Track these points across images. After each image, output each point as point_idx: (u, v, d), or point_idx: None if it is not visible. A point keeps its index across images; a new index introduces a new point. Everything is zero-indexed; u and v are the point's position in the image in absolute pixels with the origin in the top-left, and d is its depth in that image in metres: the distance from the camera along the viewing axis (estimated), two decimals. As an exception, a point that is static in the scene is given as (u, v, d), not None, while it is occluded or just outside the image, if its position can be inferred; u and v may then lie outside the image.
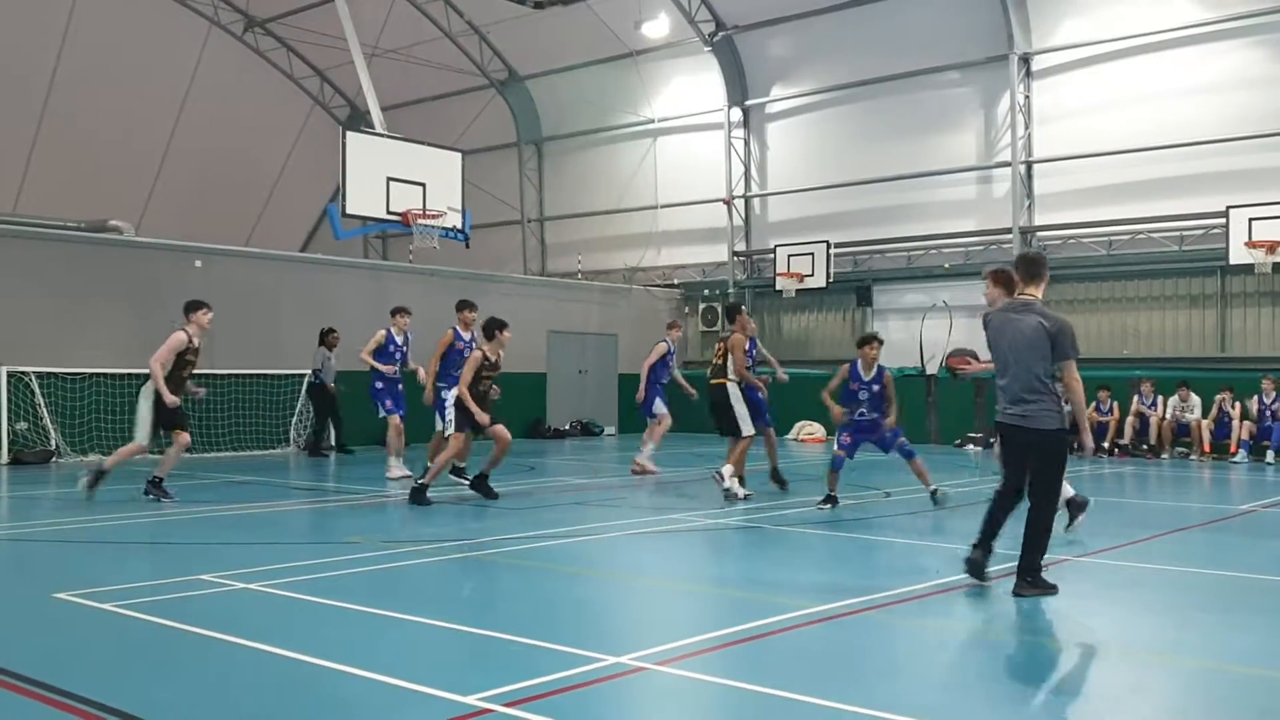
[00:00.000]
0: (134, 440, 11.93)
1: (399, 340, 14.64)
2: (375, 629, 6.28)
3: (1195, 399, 18.70)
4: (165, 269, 18.14)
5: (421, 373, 14.17)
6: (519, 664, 5.46)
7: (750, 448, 12.56)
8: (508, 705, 4.72)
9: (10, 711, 4.72)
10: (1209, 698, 5.25)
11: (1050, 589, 7.12)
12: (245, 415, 18.58)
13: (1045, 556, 7.18)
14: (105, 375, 17.11)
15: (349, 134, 17.18)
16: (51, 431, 16.64)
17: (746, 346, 12.67)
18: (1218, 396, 18.48)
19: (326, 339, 18.12)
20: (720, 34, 25.21)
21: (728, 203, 25.95)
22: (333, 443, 18.79)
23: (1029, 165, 22.09)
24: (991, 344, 7.44)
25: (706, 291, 26.50)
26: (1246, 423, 18.11)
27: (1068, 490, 9.21)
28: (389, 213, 17.06)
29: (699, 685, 5.29)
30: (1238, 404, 18.29)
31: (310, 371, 18.68)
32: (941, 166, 22.96)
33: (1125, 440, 18.91)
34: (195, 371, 12.19)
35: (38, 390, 16.57)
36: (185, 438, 11.96)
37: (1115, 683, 5.61)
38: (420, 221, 17.28)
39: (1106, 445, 18.65)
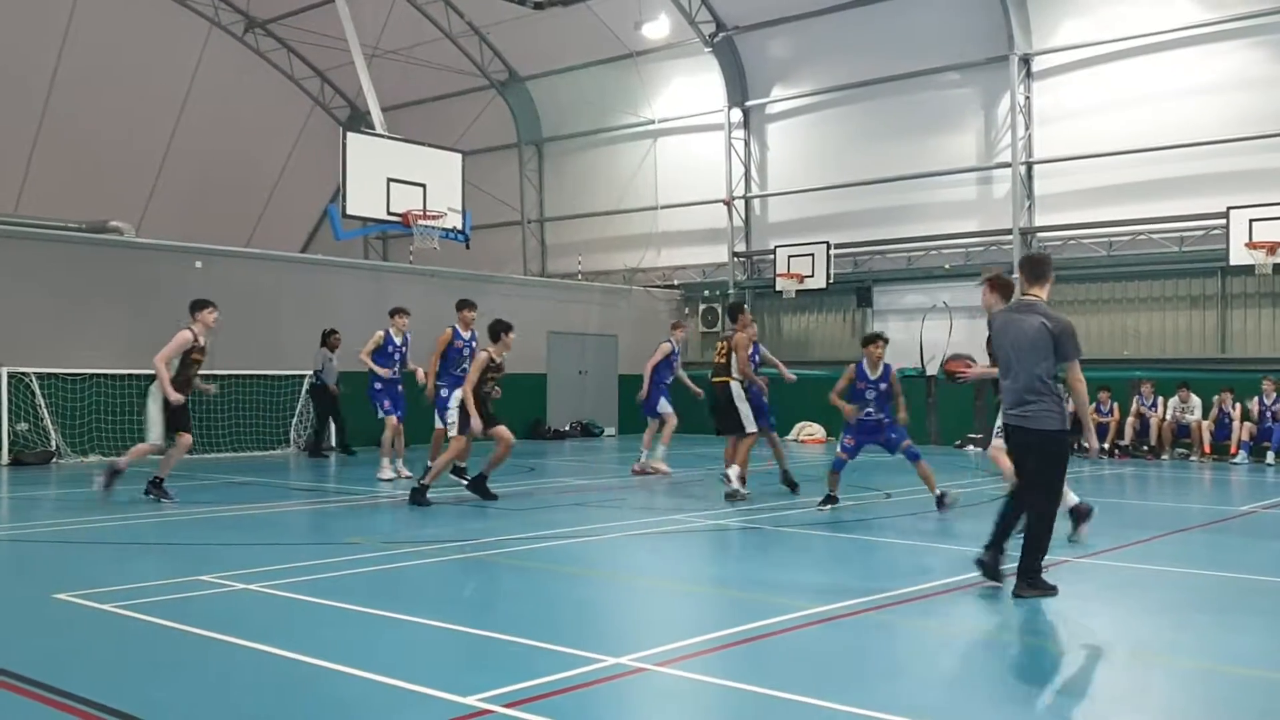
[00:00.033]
0: (146, 441, 11.85)
1: (397, 341, 14.64)
2: (375, 629, 6.28)
3: (1195, 400, 18.71)
4: (165, 270, 18.15)
5: (420, 373, 14.17)
6: (519, 665, 5.46)
7: (752, 448, 12.57)
8: (507, 706, 4.72)
9: (10, 712, 4.72)
10: (1208, 699, 5.25)
11: (1050, 590, 7.12)
12: (245, 416, 18.59)
13: (1045, 558, 7.18)
14: (105, 376, 17.13)
15: (349, 135, 17.18)
16: (52, 432, 16.65)
17: (750, 346, 12.65)
18: (1217, 397, 18.49)
19: (328, 340, 18.13)
20: (720, 35, 25.21)
21: (728, 203, 25.95)
22: (333, 443, 18.80)
23: (1029, 166, 22.09)
24: (995, 344, 7.44)
25: (706, 292, 26.51)
26: (1247, 424, 18.12)
27: (1071, 498, 9.20)
28: (389, 213, 17.06)
29: (699, 686, 5.29)
30: (1238, 405, 18.30)
31: (311, 372, 18.70)
32: (942, 167, 22.96)
33: (1125, 441, 18.92)
34: (201, 372, 12.17)
35: (38, 391, 16.58)
36: (187, 439, 11.96)
37: (1115, 684, 5.62)
38: (420, 222, 17.29)
39: (1106, 446, 18.65)
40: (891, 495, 12.73)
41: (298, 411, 19.31)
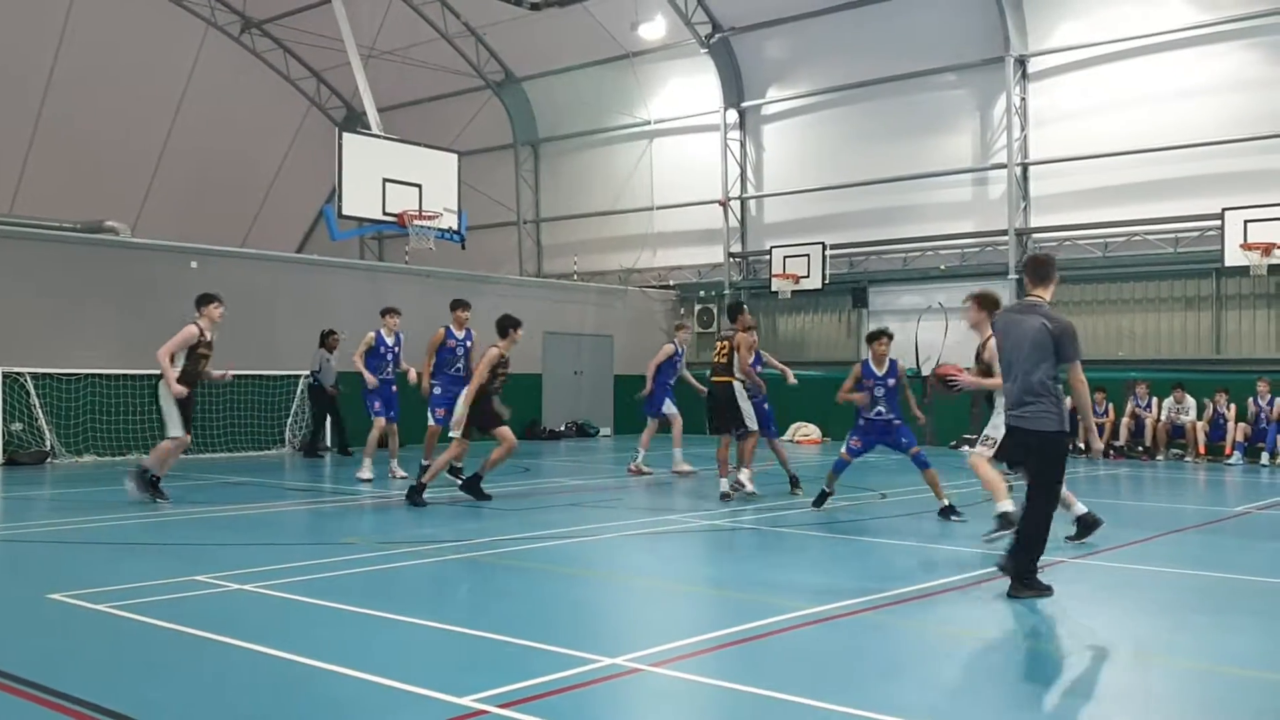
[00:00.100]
0: (168, 437, 11.75)
1: (389, 341, 14.54)
2: (370, 630, 6.28)
3: (1190, 400, 18.73)
4: (161, 270, 18.14)
5: (413, 373, 14.16)
6: (514, 665, 5.46)
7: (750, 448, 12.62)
8: (502, 706, 4.72)
9: (5, 712, 4.71)
10: (1204, 699, 5.26)
11: (1045, 590, 7.13)
12: (241, 416, 18.57)
13: (1041, 558, 7.19)
14: (101, 376, 17.11)
15: (345, 135, 17.17)
16: (47, 432, 16.62)
17: (753, 352, 12.63)
18: (1209, 399, 18.51)
19: (327, 340, 18.12)
20: (717, 36, 25.22)
21: (724, 204, 25.95)
22: (328, 444, 18.79)
23: (1025, 167, 22.12)
24: (997, 345, 7.44)
25: (702, 293, 26.52)
26: (1241, 424, 18.14)
27: (1080, 507, 9.20)
28: (385, 214, 17.04)
29: (695, 687, 5.29)
30: (1232, 406, 18.32)
31: (308, 372, 18.70)
32: (938, 168, 22.98)
33: (1120, 442, 18.94)
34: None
35: (33, 391, 16.55)
36: (185, 438, 11.92)
37: (1111, 684, 5.62)
38: (416, 222, 17.27)
39: (1101, 447, 18.66)
40: (887, 496, 12.73)
41: (293, 411, 19.30)
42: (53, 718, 4.65)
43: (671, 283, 27.18)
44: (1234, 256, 18.81)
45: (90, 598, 6.83)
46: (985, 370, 9.21)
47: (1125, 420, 19.02)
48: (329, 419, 18.61)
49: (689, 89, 26.52)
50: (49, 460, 16.46)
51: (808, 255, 23.94)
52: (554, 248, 29.47)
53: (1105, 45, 20.99)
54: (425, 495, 11.77)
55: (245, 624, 6.28)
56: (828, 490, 11.47)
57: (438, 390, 13.32)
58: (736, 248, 26.27)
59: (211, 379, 12.19)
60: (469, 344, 13.48)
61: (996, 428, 9.08)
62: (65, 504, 12.42)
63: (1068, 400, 7.26)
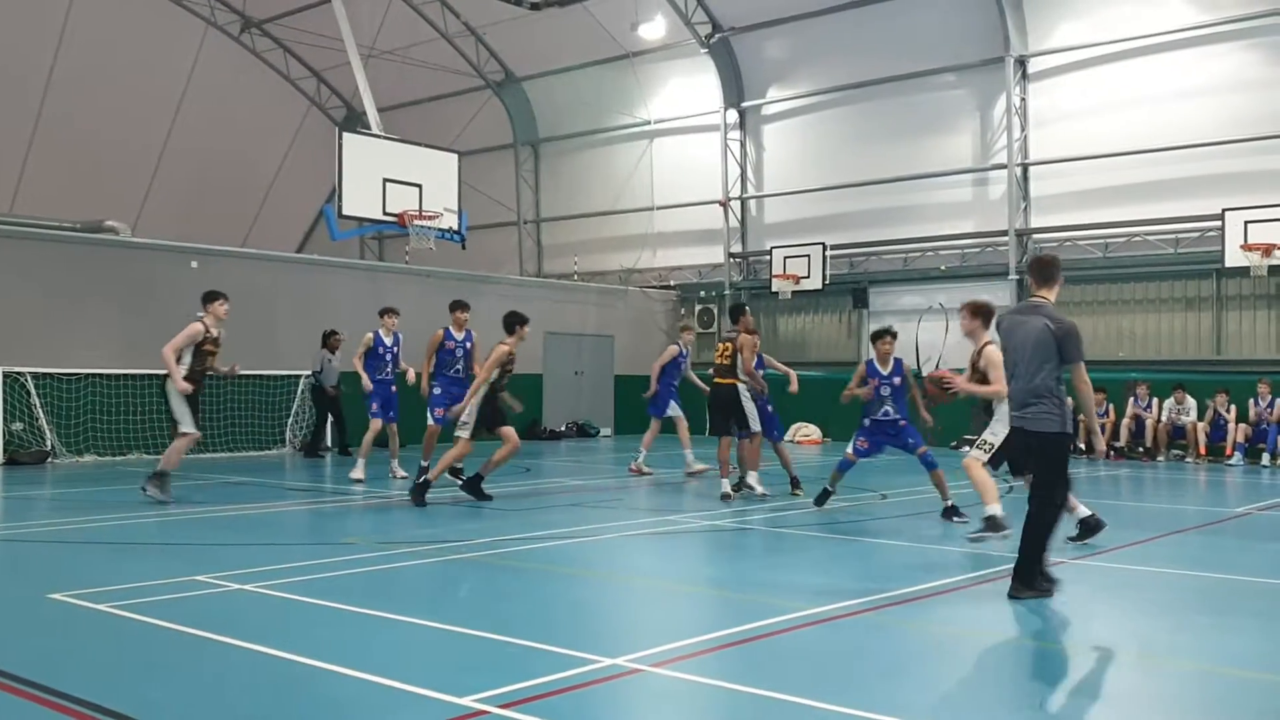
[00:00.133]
0: (183, 435, 11.73)
1: (388, 341, 14.48)
2: (371, 630, 6.27)
3: (1191, 401, 18.73)
4: (161, 269, 18.15)
5: (412, 373, 14.15)
6: (514, 665, 5.46)
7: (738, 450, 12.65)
8: (503, 707, 4.72)
9: (5, 712, 4.71)
10: (1204, 700, 5.25)
11: (1046, 592, 7.13)
12: (241, 416, 18.58)
13: (1042, 558, 7.18)
14: (101, 376, 17.12)
15: (345, 135, 17.17)
16: (47, 432, 16.63)
17: (755, 347, 12.64)
18: (1211, 400, 18.51)
19: (329, 341, 18.13)
20: (717, 36, 25.22)
21: (724, 204, 25.95)
22: (329, 443, 18.79)
23: (1025, 167, 22.11)
24: (1003, 347, 7.43)
25: (703, 293, 26.52)
26: (1242, 425, 18.14)
27: (1083, 509, 9.20)
28: (385, 214, 17.04)
29: (695, 687, 5.29)
30: (1233, 406, 18.32)
31: (310, 373, 18.72)
32: (938, 169, 22.98)
33: (1121, 443, 18.93)
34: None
35: (33, 390, 16.56)
36: (197, 433, 11.92)
37: (1111, 684, 5.62)
38: (416, 222, 17.28)
39: (1087, 448, 18.65)
40: (887, 497, 12.73)
41: (293, 411, 19.30)
42: (53, 717, 4.65)
43: (672, 283, 27.18)
44: (1234, 257, 18.80)
45: (91, 597, 6.83)
46: (981, 378, 9.20)
47: (1125, 421, 19.02)
48: (330, 419, 18.61)
49: (689, 89, 26.51)
50: (49, 460, 16.47)
51: (808, 256, 23.94)
52: (554, 248, 29.47)
53: (1105, 46, 20.99)
54: (426, 495, 11.76)
55: (245, 624, 6.28)
56: (830, 489, 11.42)
57: (437, 391, 13.31)
58: (737, 248, 26.27)
59: (220, 373, 12.18)
60: (468, 345, 13.44)
61: (995, 434, 9.09)
62: (66, 504, 12.42)
63: (1069, 401, 7.25)
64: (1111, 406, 19.11)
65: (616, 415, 25.35)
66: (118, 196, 26.51)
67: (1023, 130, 22.00)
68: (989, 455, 9.14)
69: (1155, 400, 19.03)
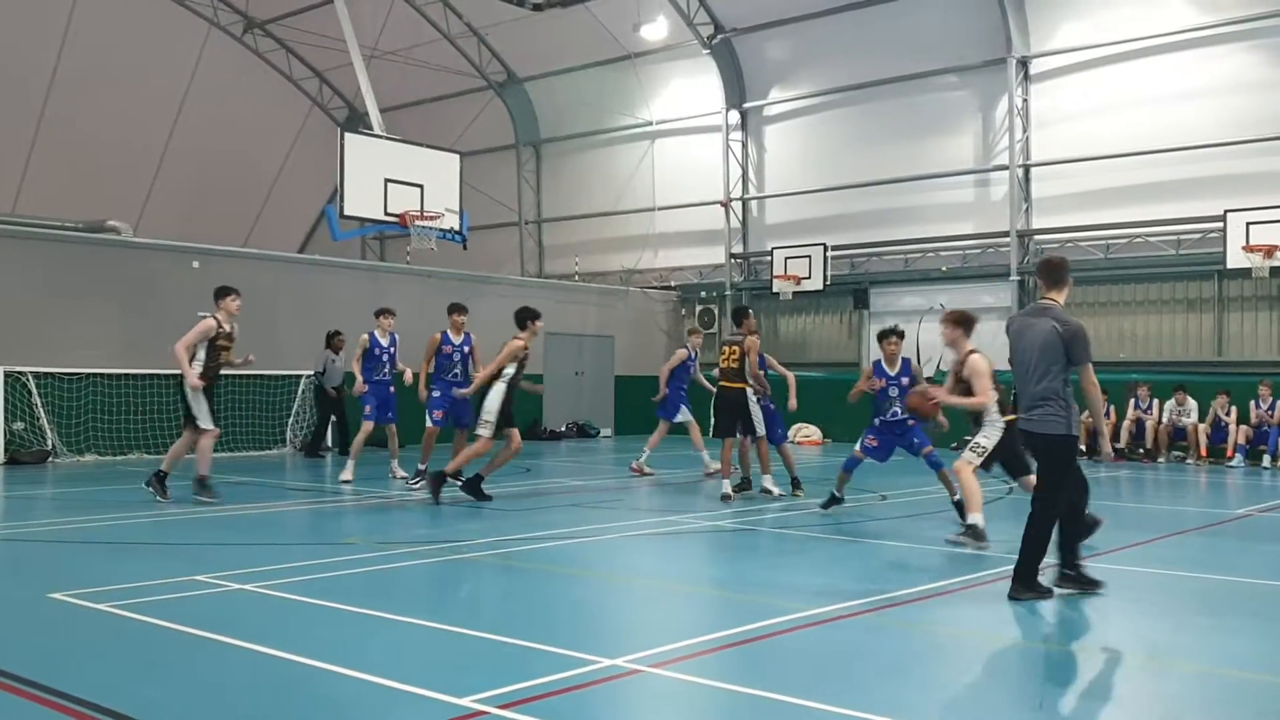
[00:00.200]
0: (203, 434, 11.75)
1: (384, 342, 14.35)
2: (370, 630, 6.28)
3: (1192, 403, 18.71)
4: (163, 269, 18.17)
5: (409, 374, 14.13)
6: (514, 665, 5.46)
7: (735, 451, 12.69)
8: (502, 707, 4.72)
9: (5, 712, 4.72)
10: (1204, 701, 5.25)
11: (1045, 593, 7.13)
12: (241, 416, 18.58)
13: (1042, 561, 7.19)
14: (102, 375, 17.13)
15: (347, 135, 17.17)
16: (48, 431, 16.64)
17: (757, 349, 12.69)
18: (1214, 401, 18.50)
19: (332, 341, 18.13)
20: (719, 36, 25.22)
21: (725, 205, 25.96)
22: (329, 444, 18.79)
23: (1027, 169, 22.10)
24: (1011, 349, 7.42)
25: (704, 294, 26.52)
26: (1243, 427, 18.13)
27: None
28: (387, 214, 17.04)
29: (694, 688, 5.29)
30: (1234, 408, 18.31)
31: (312, 373, 18.73)
32: (939, 169, 22.97)
33: (1121, 444, 18.91)
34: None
35: (34, 390, 16.57)
36: (217, 430, 11.94)
37: (1110, 685, 5.62)
38: (418, 223, 17.27)
39: (1099, 450, 18.63)
40: (887, 497, 12.73)
41: (294, 411, 19.31)
42: (53, 717, 4.66)
43: (673, 283, 27.18)
44: (1236, 259, 18.79)
45: (91, 597, 6.84)
46: (965, 388, 9.18)
47: (1126, 423, 19.00)
48: (333, 420, 18.61)
49: (691, 90, 26.52)
50: (50, 459, 16.48)
51: (809, 256, 23.94)
52: (555, 248, 29.48)
53: (1107, 47, 20.98)
54: (424, 490, 11.77)
55: (245, 624, 6.29)
56: (838, 495, 11.19)
57: (436, 394, 13.29)
58: (738, 248, 26.27)
59: (235, 365, 12.19)
60: (466, 349, 13.37)
61: (988, 437, 9.09)
62: (66, 503, 12.43)
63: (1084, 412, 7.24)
64: (1112, 408, 19.08)
65: (617, 416, 25.36)
66: (119, 196, 26.53)
67: (1024, 131, 22.00)
68: (982, 459, 9.13)
69: (1156, 401, 19.02)
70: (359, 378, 14.24)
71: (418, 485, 13.00)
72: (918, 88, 23.23)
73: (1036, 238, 22.10)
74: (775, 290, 24.43)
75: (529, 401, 23.01)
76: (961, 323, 9.27)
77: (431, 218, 17.35)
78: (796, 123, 25.45)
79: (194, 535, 9.85)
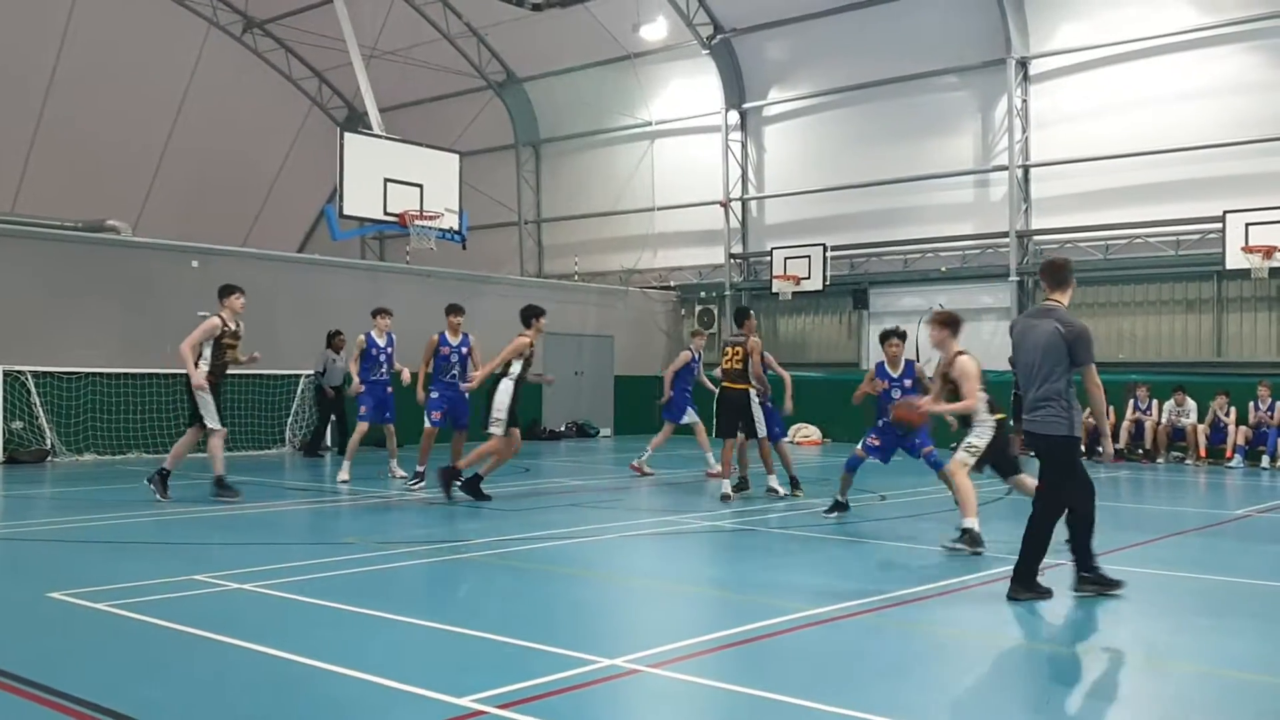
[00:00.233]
0: (211, 436, 11.77)
1: (380, 343, 14.33)
2: (369, 630, 6.27)
3: (1191, 403, 18.72)
4: (162, 269, 18.17)
5: (406, 374, 14.12)
6: (513, 665, 5.46)
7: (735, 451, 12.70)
8: (501, 707, 4.72)
9: (4, 712, 4.71)
10: (1203, 702, 5.25)
11: (1045, 593, 7.13)
12: (241, 415, 18.56)
13: (1042, 561, 7.19)
14: (101, 375, 17.13)
15: (346, 135, 17.18)
16: (47, 431, 16.63)
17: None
18: (1213, 402, 18.50)
19: (333, 341, 18.13)
20: (718, 37, 25.22)
21: (725, 205, 25.96)
22: (328, 443, 18.79)
23: (1026, 169, 22.11)
24: (1015, 350, 7.42)
25: (703, 294, 26.52)
26: (1242, 428, 18.13)
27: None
28: (386, 214, 17.05)
29: (694, 688, 5.29)
30: (1233, 409, 18.31)
31: (313, 372, 18.73)
32: (939, 170, 22.98)
33: (1120, 445, 18.91)
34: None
35: (33, 389, 16.56)
36: (198, 436, 11.93)
37: (1110, 686, 5.62)
38: (417, 223, 17.28)
39: (1100, 450, 18.64)
40: (886, 497, 12.72)
41: (293, 411, 19.31)
42: (52, 717, 4.65)
43: (672, 283, 27.18)
44: (1235, 259, 18.80)
45: (90, 596, 6.83)
46: (953, 389, 9.17)
47: (1125, 423, 19.00)
48: (333, 419, 18.61)
49: (690, 90, 26.52)
50: (49, 459, 16.47)
51: (808, 256, 23.94)
52: (555, 248, 29.48)
53: (1107, 47, 20.99)
54: (423, 491, 11.75)
55: (244, 623, 6.28)
56: (841, 500, 11.05)
57: (434, 395, 13.28)
58: (737, 249, 26.27)
59: (241, 363, 12.19)
60: (464, 350, 13.34)
61: (980, 436, 9.09)
62: (65, 502, 12.43)
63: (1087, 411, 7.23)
64: (1111, 409, 19.05)
65: (616, 415, 25.37)
66: (119, 196, 26.52)
67: (1024, 132, 22.00)
68: (975, 459, 9.12)
69: (1155, 402, 19.02)
70: (355, 378, 14.25)
71: (417, 486, 12.99)
72: (917, 88, 23.23)
73: (1036, 238, 22.10)
74: (775, 290, 24.44)
75: (529, 401, 22.95)
76: (948, 323, 9.24)
77: (431, 217, 17.36)
78: (796, 123, 25.46)
79: (193, 535, 9.85)
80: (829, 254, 23.78)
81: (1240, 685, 5.46)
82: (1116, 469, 17.59)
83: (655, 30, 25.29)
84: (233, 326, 11.83)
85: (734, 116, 25.91)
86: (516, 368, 11.97)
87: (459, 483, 12.26)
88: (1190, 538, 10.74)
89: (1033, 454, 7.40)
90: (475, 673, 5.33)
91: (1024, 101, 22.01)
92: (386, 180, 16.93)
